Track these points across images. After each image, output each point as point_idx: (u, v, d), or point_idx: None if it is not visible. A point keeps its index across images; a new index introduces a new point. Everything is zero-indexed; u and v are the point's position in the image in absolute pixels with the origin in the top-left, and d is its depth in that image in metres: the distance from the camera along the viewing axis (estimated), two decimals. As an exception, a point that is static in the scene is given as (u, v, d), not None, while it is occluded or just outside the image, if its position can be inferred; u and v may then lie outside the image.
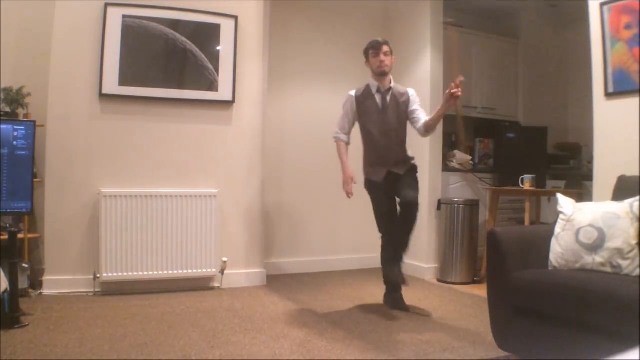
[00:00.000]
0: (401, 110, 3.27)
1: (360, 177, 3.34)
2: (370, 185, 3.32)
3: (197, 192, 3.73)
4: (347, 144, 3.36)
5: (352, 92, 3.35)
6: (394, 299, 3.36)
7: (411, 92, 3.32)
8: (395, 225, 3.22)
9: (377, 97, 3.27)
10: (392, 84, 3.30)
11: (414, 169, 3.33)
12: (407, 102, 3.27)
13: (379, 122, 3.25)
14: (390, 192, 3.26)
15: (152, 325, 2.83)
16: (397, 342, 2.68)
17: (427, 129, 3.20)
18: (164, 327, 2.82)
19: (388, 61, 3.23)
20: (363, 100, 3.30)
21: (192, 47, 3.78)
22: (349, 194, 3.23)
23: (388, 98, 3.26)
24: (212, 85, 3.85)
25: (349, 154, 3.34)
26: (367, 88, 3.31)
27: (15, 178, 2.86)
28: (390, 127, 3.25)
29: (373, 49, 3.25)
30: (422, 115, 3.24)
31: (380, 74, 3.24)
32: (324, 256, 4.58)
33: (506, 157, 4.70)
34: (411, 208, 3.13)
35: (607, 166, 2.90)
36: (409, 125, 3.32)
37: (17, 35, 3.70)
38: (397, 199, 3.22)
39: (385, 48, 3.23)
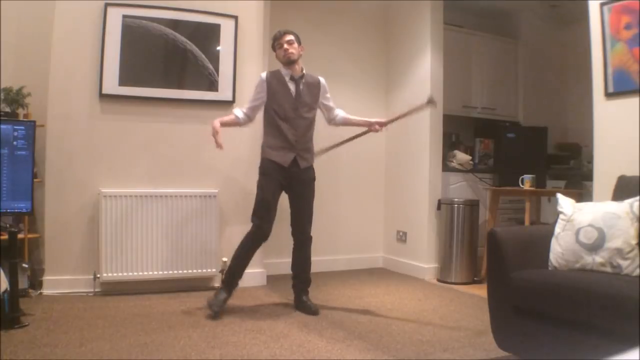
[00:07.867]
0: (313, 100, 3.30)
1: (254, 159, 3.44)
2: (265, 169, 3.21)
3: (197, 192, 3.73)
4: (240, 121, 3.26)
5: (263, 75, 3.28)
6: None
7: (322, 82, 3.33)
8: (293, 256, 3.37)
9: (291, 85, 3.22)
10: (304, 72, 3.27)
11: (313, 173, 3.31)
12: (318, 93, 3.30)
13: (292, 110, 3.20)
14: (285, 187, 3.24)
15: (152, 325, 2.83)
16: (397, 342, 2.68)
17: (341, 124, 3.43)
18: (164, 327, 2.82)
19: (293, 49, 3.19)
20: (275, 84, 3.23)
21: (192, 47, 3.78)
22: (217, 142, 3.13)
23: (301, 86, 3.24)
24: (212, 85, 3.85)
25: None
26: (279, 74, 3.25)
27: (15, 178, 2.85)
28: (302, 115, 3.23)
29: (276, 40, 3.25)
30: (339, 110, 3.41)
31: (288, 62, 3.20)
32: (324, 256, 4.57)
33: (506, 157, 4.69)
34: (307, 243, 3.32)
35: (607, 166, 2.90)
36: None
37: (17, 35, 3.70)
38: (291, 211, 3.31)
39: (287, 37, 3.21)
